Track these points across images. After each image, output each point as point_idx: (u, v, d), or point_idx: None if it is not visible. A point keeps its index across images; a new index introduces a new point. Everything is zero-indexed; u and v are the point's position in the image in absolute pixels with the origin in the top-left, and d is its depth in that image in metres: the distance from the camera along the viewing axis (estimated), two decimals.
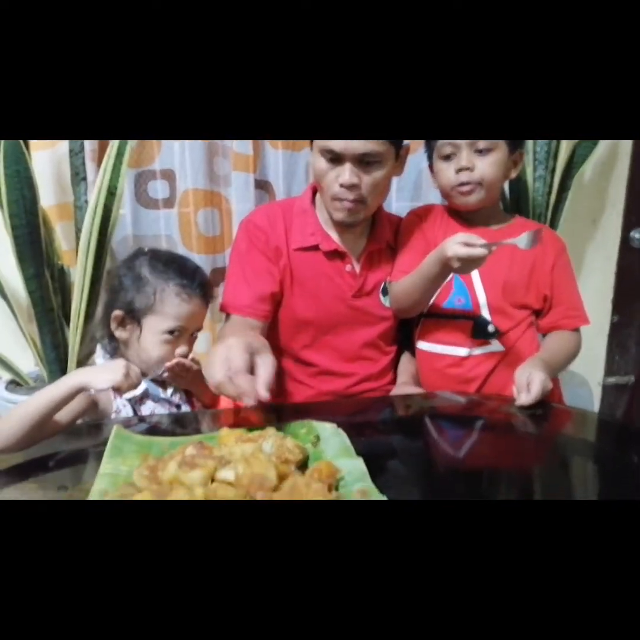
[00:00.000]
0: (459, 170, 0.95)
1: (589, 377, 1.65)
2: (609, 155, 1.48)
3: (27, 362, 1.32)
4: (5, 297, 1.23)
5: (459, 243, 0.80)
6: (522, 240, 0.83)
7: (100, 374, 0.73)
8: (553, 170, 1.31)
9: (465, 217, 1.03)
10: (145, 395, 0.88)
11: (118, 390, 0.72)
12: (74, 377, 0.72)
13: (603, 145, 1.38)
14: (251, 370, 0.67)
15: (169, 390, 0.92)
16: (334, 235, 1.00)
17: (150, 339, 0.88)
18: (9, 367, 1.30)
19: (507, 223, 1.04)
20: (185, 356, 0.89)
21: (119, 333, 0.90)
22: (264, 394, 0.63)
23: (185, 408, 0.93)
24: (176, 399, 0.93)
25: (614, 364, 1.68)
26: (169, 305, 0.87)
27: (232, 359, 0.66)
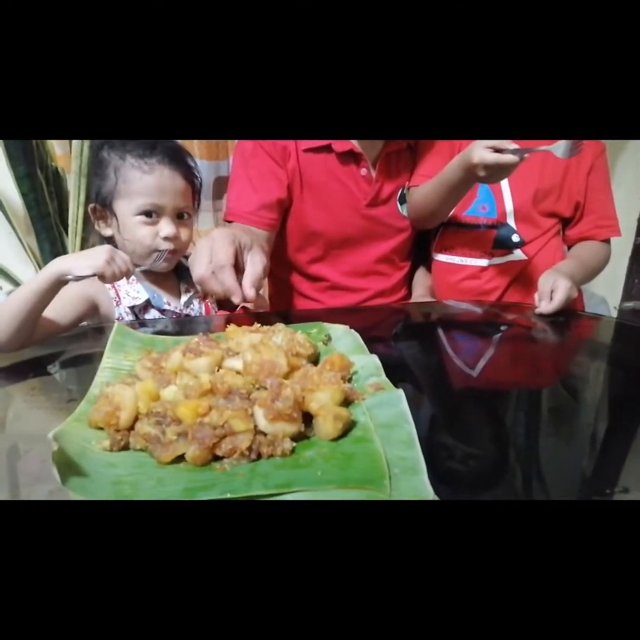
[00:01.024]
0: None
1: (607, 299, 1.60)
2: None
3: (29, 273, 1.29)
4: (0, 206, 1.17)
5: (486, 148, 0.72)
6: (559, 148, 0.74)
7: (81, 260, 0.67)
8: None
9: None
10: (148, 304, 0.84)
11: (102, 278, 0.67)
12: (55, 264, 0.68)
13: None
14: (239, 266, 0.63)
15: (183, 299, 0.86)
16: None
17: (128, 225, 0.80)
18: (9, 277, 1.26)
19: None
20: (176, 238, 0.81)
21: (103, 230, 0.84)
22: (250, 293, 0.60)
23: None
24: (188, 310, 0.86)
25: (632, 288, 1.62)
26: (131, 181, 0.79)
27: (217, 251, 0.61)
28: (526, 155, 0.72)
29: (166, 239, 0.80)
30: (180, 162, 0.81)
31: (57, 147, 1.19)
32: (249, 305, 0.90)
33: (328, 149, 0.89)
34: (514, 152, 0.71)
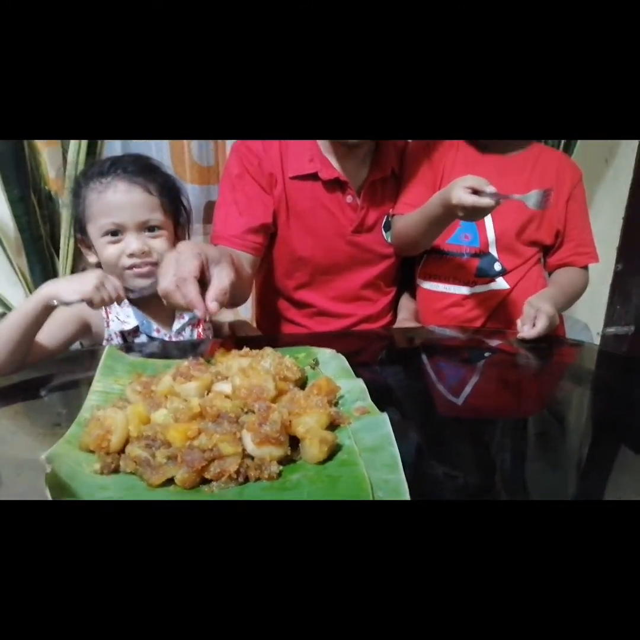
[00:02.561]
0: None
1: (589, 326, 1.63)
2: None
3: (18, 294, 1.29)
4: None
5: (465, 189, 0.74)
6: (530, 198, 0.77)
7: (70, 285, 0.67)
8: None
9: (480, 142, 0.97)
10: (136, 330, 0.83)
11: (91, 303, 0.66)
12: (44, 289, 0.67)
13: None
14: (205, 280, 0.61)
15: (175, 326, 0.85)
16: (334, 162, 0.92)
17: (98, 248, 0.80)
18: None
19: (524, 149, 0.97)
20: (144, 253, 0.79)
21: (89, 257, 0.84)
22: (212, 306, 0.59)
23: None
24: (180, 337, 0.85)
25: (614, 313, 1.66)
26: (90, 204, 0.79)
27: (181, 263, 0.60)
28: (502, 201, 0.75)
29: (132, 255, 0.78)
30: (139, 174, 0.79)
31: (50, 170, 1.21)
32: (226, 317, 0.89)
33: (314, 176, 0.91)
34: (491, 196, 0.74)
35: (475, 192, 0.74)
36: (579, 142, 1.29)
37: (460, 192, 0.75)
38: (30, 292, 1.22)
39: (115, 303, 0.71)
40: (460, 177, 0.77)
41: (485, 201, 0.74)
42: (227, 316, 1.02)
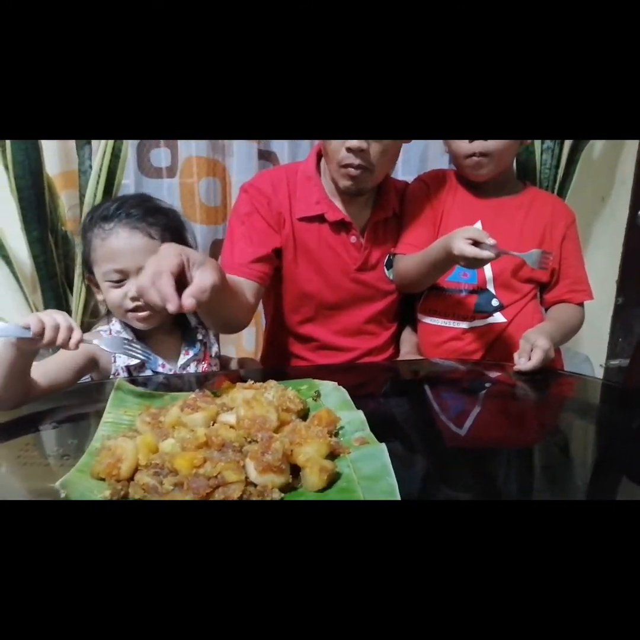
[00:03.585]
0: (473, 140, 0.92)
1: (592, 359, 1.64)
2: None
3: None
4: (9, 264, 1.24)
5: (467, 240, 0.78)
6: (531, 256, 0.84)
7: (26, 319, 0.64)
8: (562, 143, 1.29)
9: (476, 186, 1.01)
10: (142, 365, 0.85)
11: (39, 341, 0.64)
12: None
13: None
14: (185, 280, 0.61)
15: (181, 361, 0.87)
16: (339, 204, 0.97)
17: (103, 290, 0.83)
18: None
19: (519, 193, 1.02)
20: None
21: (99, 296, 0.87)
22: (187, 302, 0.57)
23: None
24: (185, 372, 0.87)
25: (617, 346, 1.67)
26: (94, 249, 0.82)
27: (161, 259, 0.60)
28: (501, 255, 0.79)
29: (134, 299, 0.80)
30: (142, 218, 0.81)
31: (67, 212, 1.27)
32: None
33: (320, 218, 0.96)
34: (490, 248, 0.78)
35: (476, 242, 0.78)
36: (574, 180, 1.34)
37: (461, 243, 0.78)
38: None
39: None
40: (463, 228, 0.81)
41: (486, 254, 0.77)
42: (240, 362, 1.05)
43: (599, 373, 1.66)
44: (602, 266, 1.53)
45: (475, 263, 0.81)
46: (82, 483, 0.44)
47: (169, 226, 0.85)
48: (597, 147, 1.45)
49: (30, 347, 0.67)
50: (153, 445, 0.47)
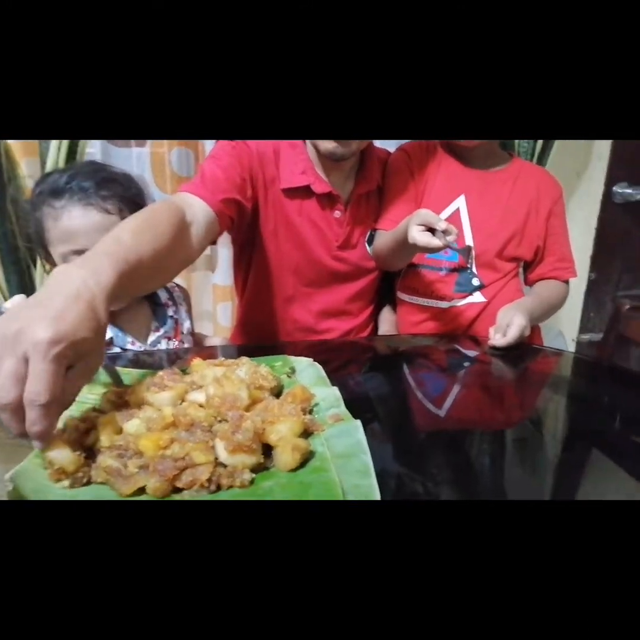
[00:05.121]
0: None
1: (564, 333, 1.67)
2: None
3: None
4: None
5: (419, 226, 0.76)
6: (464, 251, 0.85)
7: None
8: None
9: (463, 156, 0.97)
10: (110, 342, 0.82)
11: None
12: None
13: None
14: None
15: (151, 338, 0.84)
16: (323, 175, 0.91)
17: None
18: None
19: (505, 165, 0.99)
20: None
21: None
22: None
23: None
24: (155, 349, 0.84)
25: (588, 321, 1.70)
26: (49, 230, 0.76)
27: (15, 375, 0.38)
28: (453, 244, 0.76)
29: None
30: (95, 192, 0.76)
31: (28, 181, 1.20)
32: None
33: (306, 189, 0.90)
34: (442, 232, 0.74)
35: (429, 229, 0.76)
36: (552, 154, 1.33)
37: (414, 231, 0.76)
38: (6, 300, 1.20)
39: None
40: (417, 213, 0.78)
41: (435, 243, 0.75)
42: (214, 341, 1.01)
43: (571, 347, 1.69)
44: (576, 241, 1.52)
45: (428, 250, 0.79)
46: (38, 471, 0.41)
47: (125, 197, 0.79)
48: None
49: None
50: (117, 426, 0.45)
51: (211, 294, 1.42)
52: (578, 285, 1.62)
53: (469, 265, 0.87)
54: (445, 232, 0.74)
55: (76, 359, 0.42)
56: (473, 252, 0.94)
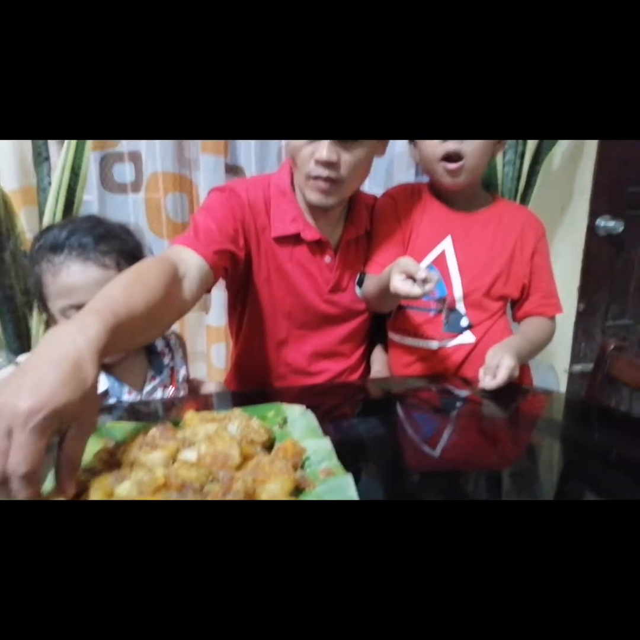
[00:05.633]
0: (445, 140, 0.89)
1: (556, 365, 1.69)
2: (576, 143, 1.50)
3: None
4: None
5: (401, 275, 0.78)
6: (439, 301, 0.85)
7: None
8: (522, 155, 1.32)
9: (447, 199, 1.00)
10: (106, 393, 0.82)
11: None
12: None
13: None
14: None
15: (146, 388, 0.85)
16: (311, 222, 0.93)
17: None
18: None
19: (489, 206, 1.02)
20: None
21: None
22: (71, 491, 0.45)
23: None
24: (150, 398, 0.85)
25: (580, 351, 1.72)
26: (48, 285, 0.77)
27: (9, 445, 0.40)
28: (428, 293, 0.77)
29: None
30: (94, 247, 0.77)
31: (26, 230, 1.23)
32: None
33: (297, 237, 0.92)
34: (422, 281, 0.76)
35: (409, 277, 0.78)
36: (534, 192, 1.37)
37: (395, 280, 0.78)
38: (3, 347, 1.21)
39: None
40: (397, 261, 0.80)
41: (415, 292, 0.77)
42: (209, 387, 1.02)
43: (563, 378, 1.71)
44: (563, 273, 1.56)
45: (409, 298, 0.80)
46: None
47: (123, 251, 0.81)
48: (556, 159, 1.49)
49: None
50: (109, 489, 0.46)
51: (205, 335, 1.43)
52: (567, 316, 1.65)
53: (443, 312, 0.87)
54: (424, 281, 0.76)
55: (66, 422, 0.43)
56: (449, 302, 0.95)
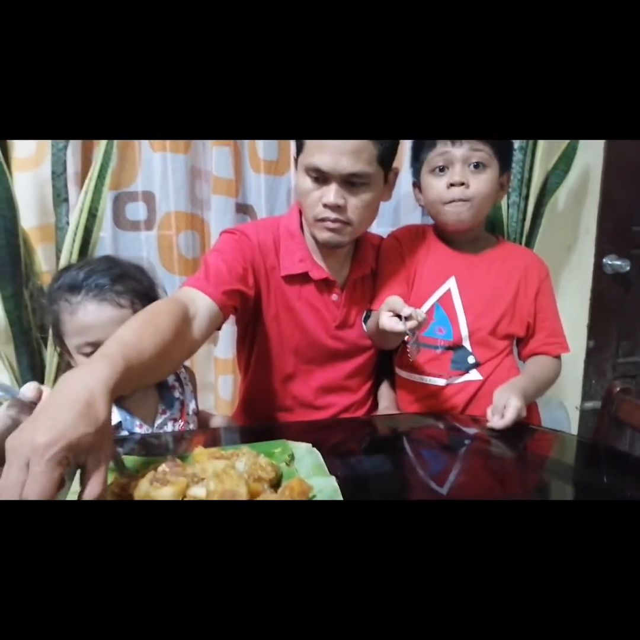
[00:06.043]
0: (451, 185, 0.92)
1: (566, 402, 1.67)
2: (581, 184, 1.54)
3: (3, 379, 1.30)
4: None
5: (388, 312, 0.80)
6: (413, 344, 0.84)
7: None
8: (526, 197, 1.35)
9: (452, 240, 1.02)
10: (118, 426, 0.84)
11: None
12: None
13: (574, 173, 1.43)
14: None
15: (157, 421, 0.86)
16: (320, 261, 0.96)
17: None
18: None
19: (493, 248, 1.04)
20: None
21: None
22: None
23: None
24: (161, 432, 0.86)
25: (590, 388, 1.70)
26: (65, 323, 0.81)
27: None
28: (409, 332, 0.78)
29: None
30: (110, 287, 0.80)
31: (44, 265, 1.27)
32: None
33: (304, 276, 0.95)
34: (406, 319, 0.77)
35: (397, 314, 0.79)
36: (540, 233, 1.39)
37: (383, 316, 0.80)
38: (17, 379, 1.23)
39: None
40: (386, 300, 0.82)
41: (399, 328, 0.78)
42: (218, 420, 1.03)
43: (574, 415, 1.69)
44: (571, 312, 1.57)
45: (396, 335, 0.81)
46: None
47: (138, 291, 0.84)
48: (560, 200, 1.52)
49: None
50: None
51: (213, 367, 1.44)
52: (578, 353, 1.65)
53: (415, 348, 0.86)
54: (408, 318, 0.77)
55: (81, 456, 0.46)
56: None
